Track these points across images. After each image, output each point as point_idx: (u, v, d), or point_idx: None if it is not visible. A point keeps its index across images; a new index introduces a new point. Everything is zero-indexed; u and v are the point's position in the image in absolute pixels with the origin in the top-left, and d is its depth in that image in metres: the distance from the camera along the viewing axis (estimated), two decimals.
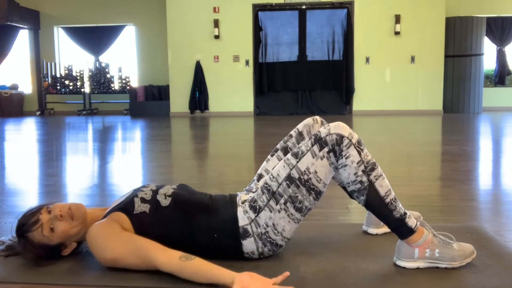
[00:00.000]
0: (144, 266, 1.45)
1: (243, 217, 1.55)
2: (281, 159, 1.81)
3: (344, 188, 1.72)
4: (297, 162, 1.51)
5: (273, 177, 1.55)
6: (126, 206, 1.56)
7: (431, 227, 1.57)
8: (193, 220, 1.56)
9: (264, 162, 1.85)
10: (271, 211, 1.53)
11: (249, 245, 1.55)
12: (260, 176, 1.82)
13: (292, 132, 1.85)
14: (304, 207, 1.53)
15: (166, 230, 1.55)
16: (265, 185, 1.56)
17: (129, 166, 3.81)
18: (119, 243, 1.46)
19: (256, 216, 1.54)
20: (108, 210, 1.63)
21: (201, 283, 1.37)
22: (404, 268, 1.52)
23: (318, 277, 1.47)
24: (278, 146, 1.86)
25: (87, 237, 1.51)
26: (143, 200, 1.57)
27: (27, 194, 2.84)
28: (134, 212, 1.54)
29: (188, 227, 1.55)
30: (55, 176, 3.41)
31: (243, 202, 1.61)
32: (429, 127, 6.93)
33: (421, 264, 1.52)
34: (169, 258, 1.41)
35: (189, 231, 1.55)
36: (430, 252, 1.51)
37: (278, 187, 1.53)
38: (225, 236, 1.55)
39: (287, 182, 1.52)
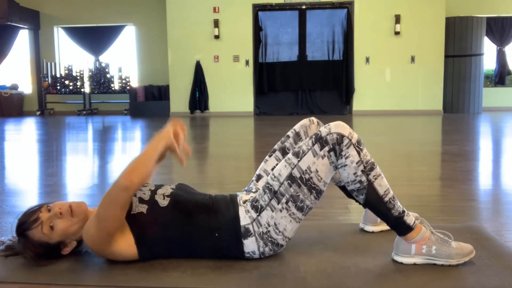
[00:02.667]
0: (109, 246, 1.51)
1: (245, 217, 1.56)
2: (280, 159, 1.82)
3: (343, 187, 1.72)
4: (298, 161, 1.52)
5: (275, 176, 1.55)
6: None
7: (430, 225, 1.59)
8: (193, 220, 1.56)
9: (262, 163, 1.86)
10: (272, 211, 1.53)
11: (250, 244, 1.56)
12: (259, 177, 1.82)
13: (289, 133, 1.86)
14: (305, 206, 1.54)
15: (164, 230, 1.55)
16: (267, 185, 1.56)
17: None
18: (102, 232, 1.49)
19: (258, 216, 1.55)
20: None
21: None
22: (401, 263, 1.55)
23: (318, 277, 1.47)
24: (276, 146, 1.87)
25: (83, 229, 1.53)
26: (141, 200, 1.57)
27: (27, 194, 2.85)
28: (132, 212, 1.54)
29: (188, 227, 1.55)
30: (55, 176, 3.41)
31: (244, 202, 1.61)
32: (429, 127, 6.93)
33: (417, 260, 1.54)
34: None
35: (188, 231, 1.55)
36: (427, 249, 1.53)
37: (280, 186, 1.53)
38: (226, 236, 1.55)
39: (289, 181, 1.52)
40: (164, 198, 1.58)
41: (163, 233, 1.54)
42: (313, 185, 1.52)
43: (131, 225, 1.53)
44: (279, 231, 1.55)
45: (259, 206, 1.55)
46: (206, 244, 1.56)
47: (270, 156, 1.85)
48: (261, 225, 1.54)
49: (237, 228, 1.55)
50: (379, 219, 1.87)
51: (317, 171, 1.51)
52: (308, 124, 1.85)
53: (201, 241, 1.56)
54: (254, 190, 1.77)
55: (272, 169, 1.80)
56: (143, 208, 1.55)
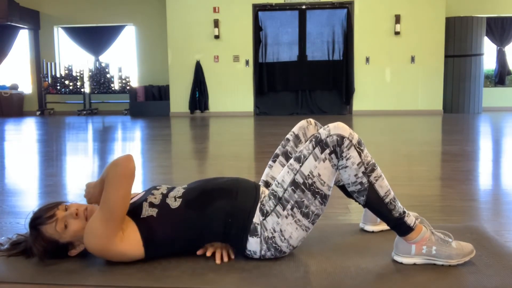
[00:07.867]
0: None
1: (258, 214, 1.56)
2: (284, 164, 1.82)
3: (342, 187, 1.72)
4: (300, 166, 1.52)
5: (278, 183, 1.56)
6: (134, 210, 1.57)
7: (430, 224, 1.59)
8: (208, 212, 1.56)
9: (267, 169, 1.86)
10: (278, 217, 1.53)
11: (253, 244, 1.56)
12: (267, 184, 1.82)
13: (289, 136, 1.87)
14: (310, 212, 1.53)
15: (176, 231, 1.55)
16: (272, 191, 1.57)
17: None
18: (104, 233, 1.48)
19: (263, 220, 1.55)
20: None
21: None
22: (401, 263, 1.55)
23: (318, 277, 1.47)
24: (278, 151, 1.87)
25: (85, 230, 1.53)
26: (151, 205, 1.58)
27: (27, 194, 2.85)
28: (141, 216, 1.55)
29: (201, 222, 1.55)
30: (55, 176, 3.41)
31: (263, 199, 1.61)
32: (429, 127, 6.93)
33: (417, 260, 1.54)
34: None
35: (201, 225, 1.55)
36: (427, 249, 1.53)
37: (284, 192, 1.53)
38: (237, 224, 1.55)
39: (292, 187, 1.52)
40: (175, 200, 1.59)
41: (174, 234, 1.55)
42: (316, 190, 1.52)
43: (140, 227, 1.54)
44: (284, 238, 1.55)
45: (265, 211, 1.55)
46: (216, 231, 1.56)
47: (274, 161, 1.85)
48: (266, 230, 1.54)
49: (249, 222, 1.55)
50: (379, 219, 1.87)
51: (319, 175, 1.51)
52: (306, 126, 1.85)
53: (213, 230, 1.56)
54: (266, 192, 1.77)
55: None
56: (153, 212, 1.56)
